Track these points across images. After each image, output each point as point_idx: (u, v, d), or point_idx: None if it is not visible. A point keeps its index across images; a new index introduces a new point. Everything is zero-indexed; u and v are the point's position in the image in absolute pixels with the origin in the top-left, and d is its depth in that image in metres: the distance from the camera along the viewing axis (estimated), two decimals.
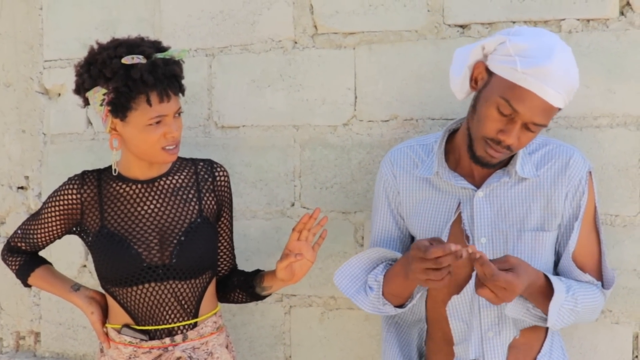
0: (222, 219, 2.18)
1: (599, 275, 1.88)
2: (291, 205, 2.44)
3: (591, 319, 1.90)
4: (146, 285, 2.02)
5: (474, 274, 1.69)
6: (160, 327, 2.05)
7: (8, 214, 2.87)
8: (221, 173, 2.16)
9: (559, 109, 1.71)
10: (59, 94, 2.76)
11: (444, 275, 1.63)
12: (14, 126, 2.84)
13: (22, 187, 2.86)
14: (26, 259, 2.22)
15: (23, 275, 2.21)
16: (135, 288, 2.02)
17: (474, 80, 1.79)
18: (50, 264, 2.26)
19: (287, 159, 2.43)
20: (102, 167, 2.15)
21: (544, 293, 1.75)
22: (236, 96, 2.49)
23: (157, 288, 2.03)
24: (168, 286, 2.03)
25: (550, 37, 1.70)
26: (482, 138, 1.74)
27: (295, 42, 2.41)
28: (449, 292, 1.86)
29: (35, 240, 2.17)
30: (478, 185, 1.85)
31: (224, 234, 2.20)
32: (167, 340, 2.04)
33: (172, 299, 2.04)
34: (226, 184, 2.17)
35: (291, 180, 2.44)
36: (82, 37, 2.69)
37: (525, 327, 1.86)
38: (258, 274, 2.19)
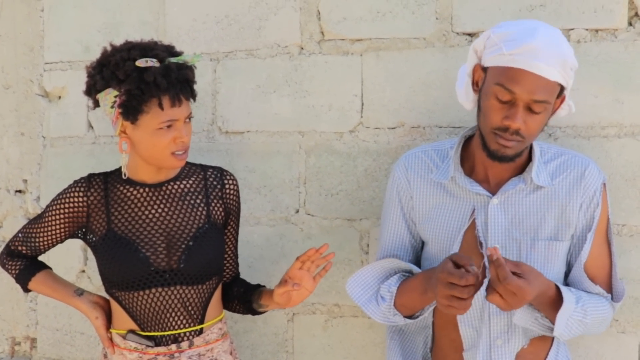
0: (229, 227, 2.17)
1: (609, 287, 1.88)
2: (296, 212, 2.43)
3: (599, 330, 1.89)
4: (152, 290, 2.00)
5: (485, 280, 1.69)
6: (166, 333, 2.02)
7: (5, 217, 2.83)
8: (231, 182, 2.15)
9: (561, 86, 1.71)
10: (60, 97, 2.73)
11: (468, 305, 1.62)
12: (12, 129, 2.81)
13: (20, 191, 2.82)
14: (26, 263, 2.18)
15: (23, 280, 2.17)
16: (141, 293, 2.00)
17: (475, 84, 1.82)
18: (50, 268, 2.23)
19: (292, 165, 2.42)
20: (103, 171, 2.14)
21: (554, 303, 1.75)
22: (241, 101, 2.47)
23: (163, 293, 2.01)
24: (175, 291, 2.01)
25: (533, 21, 1.74)
26: (491, 130, 1.74)
27: (302, 48, 2.40)
28: None
29: (36, 244, 2.14)
30: (493, 192, 1.85)
31: (229, 242, 2.19)
32: (173, 347, 2.02)
33: (179, 305, 2.02)
34: (235, 192, 2.16)
35: (296, 187, 2.42)
36: (84, 39, 2.67)
37: (535, 336, 1.85)
38: (257, 289, 2.17)
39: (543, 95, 1.68)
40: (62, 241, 2.14)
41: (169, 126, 1.93)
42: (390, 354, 2.02)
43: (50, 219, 2.10)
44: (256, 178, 2.46)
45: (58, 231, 2.10)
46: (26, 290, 2.20)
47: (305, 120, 2.40)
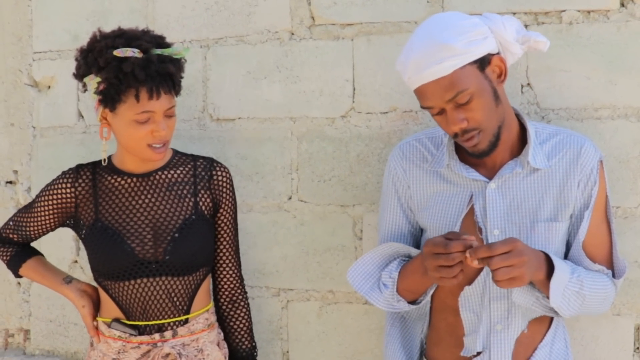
0: (220, 220, 2.14)
1: (610, 265, 1.87)
2: (288, 198, 2.41)
3: (602, 309, 1.88)
4: (138, 281, 2.01)
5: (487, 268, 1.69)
6: (150, 322, 2.03)
7: None
8: (220, 172, 2.13)
9: (478, 59, 1.70)
10: (49, 87, 2.71)
11: (457, 272, 1.64)
12: (2, 119, 2.78)
13: (10, 182, 2.80)
14: (17, 249, 2.21)
15: (14, 266, 2.20)
16: (127, 283, 2.01)
17: None
18: (42, 255, 2.26)
19: (284, 152, 2.40)
20: (95, 160, 2.14)
21: (547, 273, 1.73)
22: (231, 88, 2.45)
23: (148, 284, 2.02)
24: (160, 282, 2.02)
25: (414, 32, 1.77)
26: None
27: (292, 34, 2.38)
28: (459, 283, 1.84)
29: (27, 232, 2.16)
30: (490, 176, 1.84)
31: (221, 238, 2.16)
32: (157, 336, 2.03)
33: (164, 295, 2.03)
34: (224, 184, 2.13)
35: (288, 174, 2.41)
36: (73, 28, 2.65)
37: (533, 318, 1.85)
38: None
39: (453, 90, 1.68)
40: (52, 230, 2.16)
41: (147, 119, 1.93)
42: (389, 340, 2.01)
43: (39, 209, 2.12)
44: (248, 165, 2.44)
45: (47, 221, 2.12)
46: (17, 276, 2.22)
47: (297, 106, 2.38)
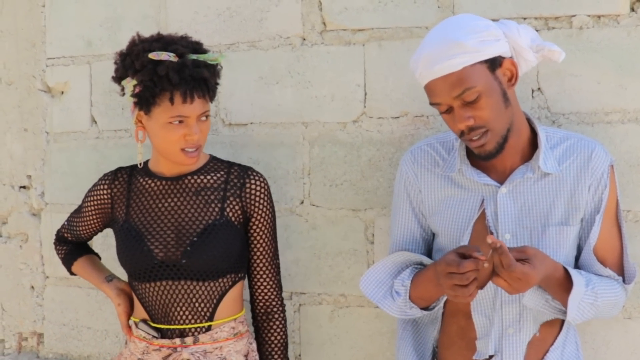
0: (254, 231, 2.12)
1: (620, 269, 1.88)
2: (300, 203, 2.43)
3: (612, 314, 1.90)
4: (157, 284, 2.03)
5: None
6: (171, 327, 2.04)
7: (10, 213, 2.84)
8: (254, 182, 2.10)
9: (490, 59, 1.71)
10: (62, 92, 2.73)
11: (472, 290, 1.65)
12: (15, 125, 2.81)
13: (24, 187, 2.83)
14: (71, 248, 2.32)
15: (67, 263, 2.32)
16: (151, 284, 2.04)
17: None
18: (95, 254, 2.36)
19: (296, 156, 2.42)
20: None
21: (563, 286, 1.75)
22: (244, 93, 2.47)
23: (168, 287, 2.03)
24: (180, 286, 2.02)
25: (428, 33, 1.79)
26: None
27: (304, 39, 2.40)
28: None
29: (78, 232, 2.27)
30: (501, 181, 1.85)
31: (256, 250, 2.13)
32: (177, 341, 2.03)
33: (184, 300, 2.03)
34: (257, 193, 2.10)
35: (300, 178, 2.42)
36: (86, 34, 2.67)
37: (544, 321, 1.85)
38: None
39: (460, 87, 1.70)
40: (100, 229, 2.26)
41: (180, 122, 1.95)
42: (401, 344, 2.02)
43: (84, 210, 2.22)
44: (260, 170, 2.44)
45: (92, 221, 2.22)
46: (71, 273, 2.34)
47: (309, 111, 2.40)
